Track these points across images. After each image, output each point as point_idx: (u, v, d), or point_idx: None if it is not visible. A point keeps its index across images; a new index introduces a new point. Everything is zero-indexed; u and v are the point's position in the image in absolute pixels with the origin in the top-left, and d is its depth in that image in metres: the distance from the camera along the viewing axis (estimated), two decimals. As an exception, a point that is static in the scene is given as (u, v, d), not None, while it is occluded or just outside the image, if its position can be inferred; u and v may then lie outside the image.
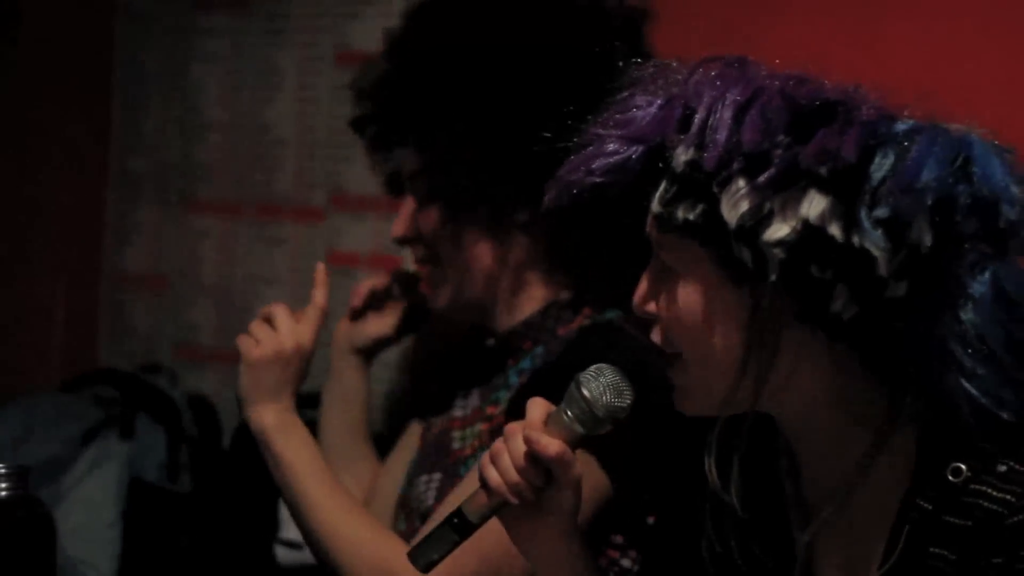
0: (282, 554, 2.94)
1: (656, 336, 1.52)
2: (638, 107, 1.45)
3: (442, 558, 1.64)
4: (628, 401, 1.58)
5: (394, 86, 2.23)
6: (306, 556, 2.90)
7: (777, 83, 1.41)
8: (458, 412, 2.32)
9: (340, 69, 3.35)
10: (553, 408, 1.60)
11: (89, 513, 3.12)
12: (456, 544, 1.63)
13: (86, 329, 3.82)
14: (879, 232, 1.36)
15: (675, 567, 1.64)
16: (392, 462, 2.50)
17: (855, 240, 1.37)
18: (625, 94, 1.48)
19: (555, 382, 1.67)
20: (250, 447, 2.57)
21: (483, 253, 2.21)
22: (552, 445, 1.56)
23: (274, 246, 3.52)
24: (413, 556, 1.65)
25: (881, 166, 1.37)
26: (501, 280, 2.22)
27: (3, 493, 1.65)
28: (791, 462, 1.57)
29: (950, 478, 1.43)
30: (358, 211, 3.27)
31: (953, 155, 1.38)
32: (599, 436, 1.61)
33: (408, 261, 2.41)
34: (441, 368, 2.49)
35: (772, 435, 1.57)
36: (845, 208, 1.37)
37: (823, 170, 1.37)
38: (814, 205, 1.38)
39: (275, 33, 3.50)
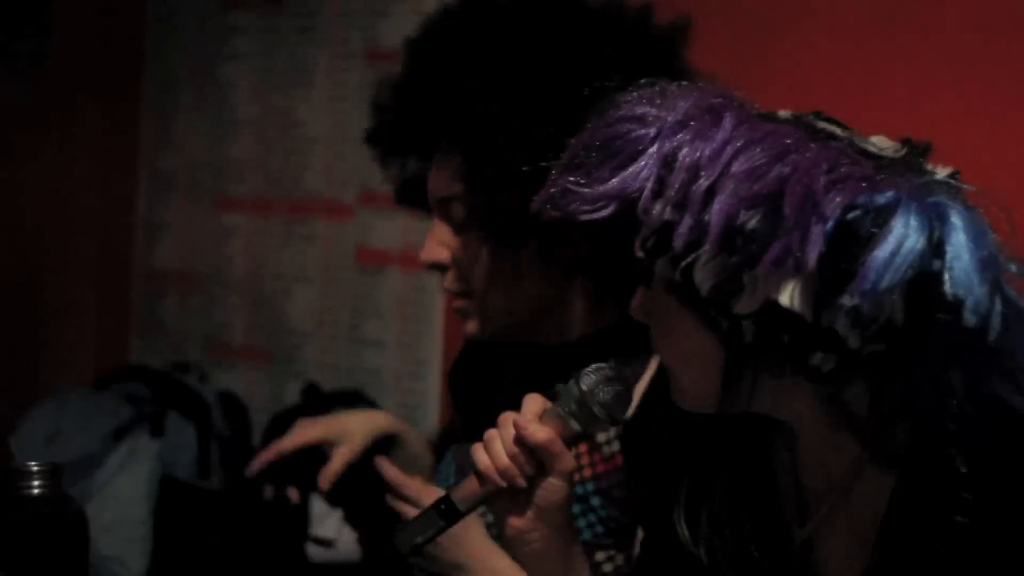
0: (314, 551, 2.94)
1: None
2: (617, 152, 1.44)
3: (426, 542, 1.64)
4: (626, 402, 1.58)
5: (441, 87, 2.09)
6: (337, 553, 2.90)
7: (755, 157, 1.38)
8: None
9: (370, 67, 3.36)
10: (550, 404, 1.60)
11: (120, 510, 3.13)
12: (442, 530, 1.63)
13: (117, 327, 3.83)
14: (848, 318, 1.36)
15: (667, 564, 1.63)
16: None
17: (824, 321, 1.37)
18: (608, 123, 1.46)
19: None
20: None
21: (529, 286, 2.08)
22: (540, 432, 1.57)
23: (304, 243, 3.52)
24: (398, 538, 1.65)
25: (849, 255, 1.35)
26: (543, 309, 2.09)
27: (36, 491, 1.65)
28: (791, 456, 1.57)
29: (935, 477, 1.44)
30: (388, 208, 3.27)
31: (927, 235, 1.35)
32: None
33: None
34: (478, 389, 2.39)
35: (770, 429, 1.57)
36: (813, 294, 1.37)
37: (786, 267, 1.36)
38: (782, 290, 1.37)
39: (305, 31, 3.50)
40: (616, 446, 2.03)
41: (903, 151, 1.45)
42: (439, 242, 2.14)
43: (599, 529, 2.01)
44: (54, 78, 3.74)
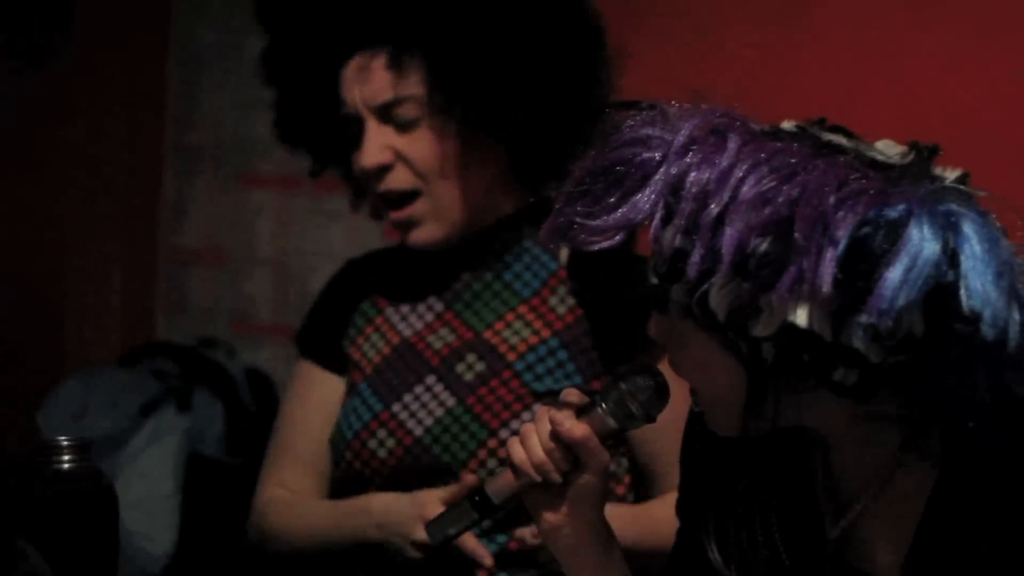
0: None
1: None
2: (623, 178, 1.43)
3: (459, 534, 1.65)
4: (664, 400, 1.58)
5: None
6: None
7: (763, 180, 1.37)
8: (428, 318, 2.30)
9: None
10: (587, 399, 1.60)
11: (148, 486, 3.14)
12: (475, 522, 1.63)
13: (144, 303, 3.84)
14: (868, 335, 1.35)
15: (696, 561, 1.63)
16: (299, 410, 2.44)
17: (843, 339, 1.36)
18: (612, 147, 1.45)
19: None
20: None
21: (476, 173, 2.21)
22: (577, 428, 1.57)
23: (331, 220, 3.52)
24: (430, 529, 1.65)
25: (864, 273, 1.34)
26: (478, 196, 2.23)
27: (67, 465, 1.66)
28: (825, 455, 1.56)
29: (975, 475, 1.43)
30: (415, 185, 3.27)
31: (941, 246, 1.34)
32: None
33: None
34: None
35: (800, 434, 1.56)
36: (831, 314, 1.36)
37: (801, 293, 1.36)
38: (798, 312, 1.36)
39: (331, 6, 3.49)
40: (571, 301, 2.20)
41: (910, 156, 1.43)
42: (382, 146, 2.18)
43: (577, 380, 2.17)
44: (80, 55, 3.74)
